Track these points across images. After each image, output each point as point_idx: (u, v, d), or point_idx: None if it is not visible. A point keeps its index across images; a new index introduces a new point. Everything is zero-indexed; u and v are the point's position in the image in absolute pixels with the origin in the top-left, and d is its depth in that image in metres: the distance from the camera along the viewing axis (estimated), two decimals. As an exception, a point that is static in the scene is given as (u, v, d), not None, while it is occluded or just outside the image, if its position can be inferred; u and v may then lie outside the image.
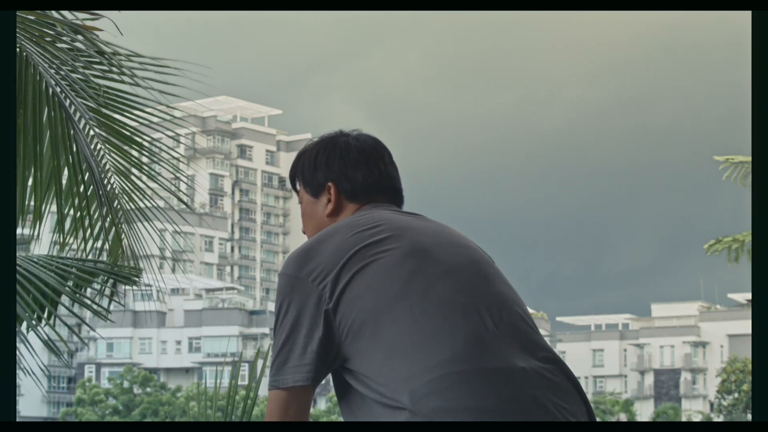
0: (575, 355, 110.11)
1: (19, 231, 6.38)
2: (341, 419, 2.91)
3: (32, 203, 6.31)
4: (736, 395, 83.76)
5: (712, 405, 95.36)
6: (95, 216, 6.52)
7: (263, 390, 51.99)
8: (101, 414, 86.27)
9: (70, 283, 6.51)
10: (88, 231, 6.54)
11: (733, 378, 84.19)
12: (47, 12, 6.05)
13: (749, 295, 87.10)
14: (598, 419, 2.89)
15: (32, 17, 6.04)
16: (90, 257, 6.65)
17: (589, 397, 41.64)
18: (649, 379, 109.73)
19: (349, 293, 2.79)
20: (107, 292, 6.63)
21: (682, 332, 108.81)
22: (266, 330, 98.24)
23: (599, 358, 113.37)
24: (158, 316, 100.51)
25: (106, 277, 6.63)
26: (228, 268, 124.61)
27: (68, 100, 6.14)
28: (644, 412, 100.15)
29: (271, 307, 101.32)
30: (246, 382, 7.07)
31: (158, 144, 6.71)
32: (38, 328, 6.19)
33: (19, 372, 5.66)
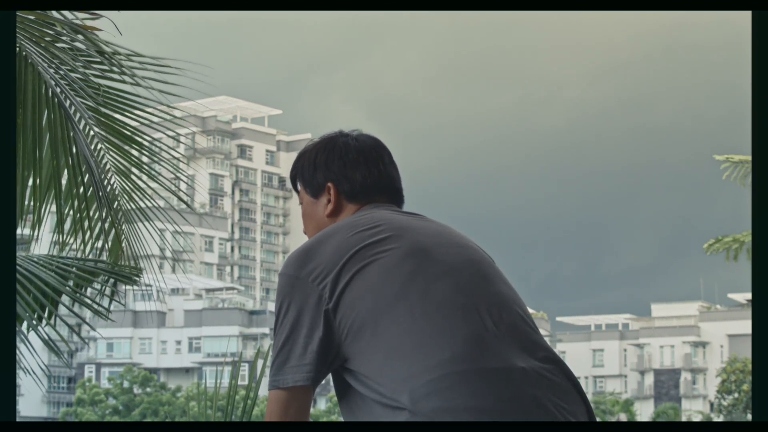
0: (575, 355, 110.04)
1: (19, 231, 6.38)
2: (341, 419, 2.91)
3: (32, 203, 6.31)
4: (736, 395, 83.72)
5: (712, 405, 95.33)
6: (95, 216, 6.52)
7: (263, 390, 51.96)
8: (101, 414, 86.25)
9: (71, 283, 6.51)
10: (88, 231, 6.54)
11: (733, 378, 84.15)
12: (47, 12, 6.04)
13: (749, 295, 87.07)
14: (598, 419, 2.89)
15: (32, 17, 6.03)
16: (90, 257, 6.65)
17: (589, 397, 41.62)
18: (649, 379, 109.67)
19: (349, 293, 2.79)
20: (107, 291, 6.63)
21: (682, 332, 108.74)
22: (266, 330, 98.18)
23: (599, 358, 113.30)
24: (158, 316, 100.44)
25: (106, 277, 6.63)
26: (228, 268, 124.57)
27: (68, 100, 6.14)
28: (644, 412, 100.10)
29: (271, 307, 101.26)
30: (246, 382, 7.08)
31: (158, 144, 6.71)
32: (38, 327, 6.19)
33: (19, 372, 5.66)
